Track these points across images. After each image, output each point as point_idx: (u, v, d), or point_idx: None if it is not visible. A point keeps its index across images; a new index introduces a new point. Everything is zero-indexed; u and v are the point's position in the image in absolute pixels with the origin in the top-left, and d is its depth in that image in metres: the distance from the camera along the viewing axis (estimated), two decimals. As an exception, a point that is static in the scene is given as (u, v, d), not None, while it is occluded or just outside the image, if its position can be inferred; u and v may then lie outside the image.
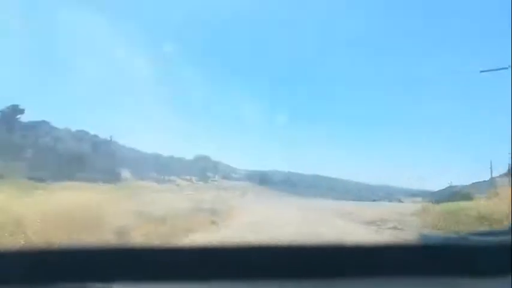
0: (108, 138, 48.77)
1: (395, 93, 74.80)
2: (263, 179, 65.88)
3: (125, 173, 46.04)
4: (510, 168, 31.05)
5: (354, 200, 49.37)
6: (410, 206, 27.29)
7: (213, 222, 14.78)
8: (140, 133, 64.74)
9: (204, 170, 64.27)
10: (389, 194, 60.59)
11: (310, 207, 29.78)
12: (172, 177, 56.02)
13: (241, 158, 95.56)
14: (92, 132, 53.80)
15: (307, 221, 17.56)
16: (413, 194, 60.61)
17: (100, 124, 56.76)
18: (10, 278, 1.15)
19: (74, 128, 52.69)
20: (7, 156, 33.58)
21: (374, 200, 53.72)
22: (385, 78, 73.22)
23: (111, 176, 40.37)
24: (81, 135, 53.35)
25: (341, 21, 71.87)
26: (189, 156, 65.05)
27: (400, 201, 54.80)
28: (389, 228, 15.45)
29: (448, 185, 51.01)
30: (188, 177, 60.67)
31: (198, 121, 75.83)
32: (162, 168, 54.41)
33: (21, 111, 48.41)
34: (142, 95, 66.67)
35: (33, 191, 22.95)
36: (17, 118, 48.60)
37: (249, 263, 1.23)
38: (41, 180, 31.19)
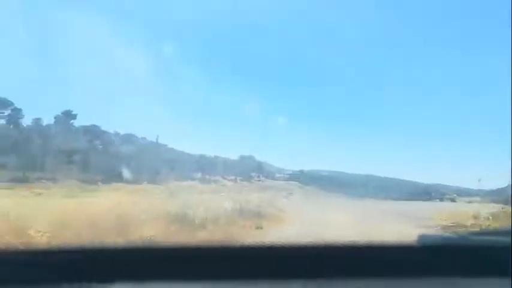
0: (155, 140, 49.75)
1: (454, 92, 70.80)
2: (309, 179, 64.71)
3: (170, 174, 46.79)
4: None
5: (406, 200, 47.32)
6: (482, 207, 25.05)
7: (259, 227, 13.21)
8: (183, 135, 65.82)
9: (248, 170, 64.21)
10: (441, 194, 57.32)
11: (366, 208, 27.72)
12: (216, 178, 56.40)
13: (285, 157, 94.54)
14: (140, 135, 55.90)
15: (369, 227, 15.23)
16: (469, 193, 57.41)
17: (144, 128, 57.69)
18: (10, 278, 1.16)
19: (122, 132, 54.93)
20: (60, 160, 35.29)
21: (427, 200, 51.19)
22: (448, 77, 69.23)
23: (156, 177, 41.22)
24: (129, 138, 55.44)
25: (341, 22, 70.01)
26: (234, 156, 65.19)
27: (452, 200, 52.15)
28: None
29: (507, 185, 47.71)
30: (233, 177, 60.91)
31: (242, 123, 75.88)
32: (207, 169, 55.00)
33: (74, 117, 51.06)
34: (182, 98, 67.25)
35: (83, 193, 23.85)
36: (71, 123, 51.38)
37: (251, 262, 1.25)
38: (91, 182, 32.46)
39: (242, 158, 65.87)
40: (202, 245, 1.36)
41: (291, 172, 69.19)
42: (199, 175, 53.09)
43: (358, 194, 53.91)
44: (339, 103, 77.06)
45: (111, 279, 1.15)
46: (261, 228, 13.16)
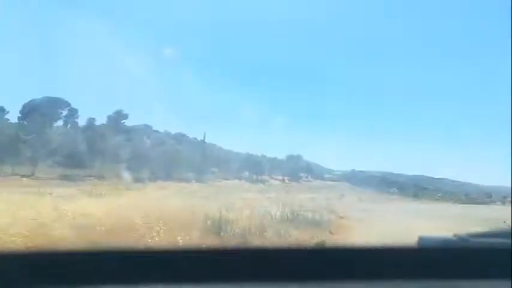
0: (202, 138, 50.25)
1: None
2: (361, 180, 62.47)
3: (216, 172, 47.20)
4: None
5: (465, 203, 44.49)
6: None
7: (320, 243, 8.39)
8: (231, 134, 66.04)
9: (296, 169, 63.25)
10: (503, 196, 53.07)
11: (435, 213, 24.43)
12: (263, 177, 56.09)
13: (333, 157, 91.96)
14: (191, 136, 56.92)
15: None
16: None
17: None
18: (6, 280, 1.17)
19: (173, 131, 56.19)
20: (108, 158, 36.63)
21: (489, 203, 47.73)
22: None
23: (203, 175, 41.66)
24: (179, 137, 56.70)
25: (341, 23, 66.76)
26: (281, 155, 64.48)
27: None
28: None
29: None
30: (280, 176, 60.29)
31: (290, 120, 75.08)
32: (254, 168, 54.84)
33: (125, 116, 53.06)
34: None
35: (128, 191, 24.47)
36: (122, 122, 53.43)
37: (248, 265, 1.24)
38: (138, 180, 33.33)
39: (289, 157, 65.02)
40: (202, 248, 1.39)
41: (340, 173, 67.29)
42: (246, 174, 53.09)
43: (412, 195, 51.54)
44: (385, 102, 73.85)
45: (105, 282, 1.14)
46: (324, 244, 8.18)
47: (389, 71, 72.84)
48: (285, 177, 60.92)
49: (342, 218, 17.28)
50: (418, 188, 55.77)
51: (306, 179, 64.70)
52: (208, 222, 10.18)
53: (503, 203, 48.80)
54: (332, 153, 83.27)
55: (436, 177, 60.28)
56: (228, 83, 73.66)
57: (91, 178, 31.85)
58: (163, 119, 70.49)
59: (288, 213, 13.83)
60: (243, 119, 68.71)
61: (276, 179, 58.85)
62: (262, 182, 53.59)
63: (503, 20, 49.08)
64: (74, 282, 1.13)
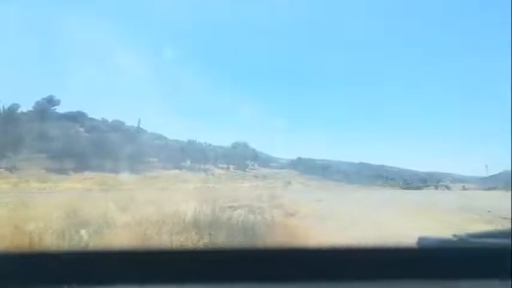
0: (136, 125, 47.57)
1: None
2: (307, 167, 62.63)
3: (155, 162, 44.99)
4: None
5: (404, 189, 45.84)
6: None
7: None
8: (171, 120, 64.74)
9: (242, 157, 62.19)
10: (436, 181, 55.43)
11: (381, 198, 23.77)
12: (207, 166, 54.48)
13: (279, 145, 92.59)
14: (129, 123, 54.07)
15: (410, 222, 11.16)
16: (460, 180, 56.15)
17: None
18: (6, 280, 1.18)
19: (110, 119, 53.22)
20: (33, 148, 33.50)
21: (424, 187, 49.64)
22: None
23: (138, 165, 39.41)
24: (117, 125, 53.57)
25: (341, 23, 68.24)
26: (227, 143, 63.24)
27: (447, 188, 50.75)
28: None
29: (502, 171, 46.91)
30: (225, 165, 58.96)
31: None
32: (197, 156, 53.04)
33: (57, 102, 49.21)
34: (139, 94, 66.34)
35: (52, 183, 22.22)
36: (53, 109, 49.55)
37: (244, 266, 1.24)
38: (60, 171, 30.70)
39: (235, 145, 63.88)
40: (202, 248, 1.53)
41: (285, 161, 67.26)
42: (188, 163, 51.18)
43: (357, 182, 52.52)
44: (336, 97, 74.85)
45: (110, 282, 1.13)
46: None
47: (331, 59, 73.60)
48: (231, 166, 59.70)
49: (289, 214, 12.53)
50: (360, 175, 56.93)
51: (253, 168, 63.91)
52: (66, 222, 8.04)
53: (436, 187, 51.18)
54: (278, 142, 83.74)
55: (376, 163, 61.85)
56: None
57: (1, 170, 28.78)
58: (163, 119, 68.34)
59: (210, 212, 9.65)
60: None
61: (221, 168, 57.44)
62: (205, 171, 51.98)
63: (503, 19, 50.14)
64: (74, 283, 1.12)
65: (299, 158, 67.12)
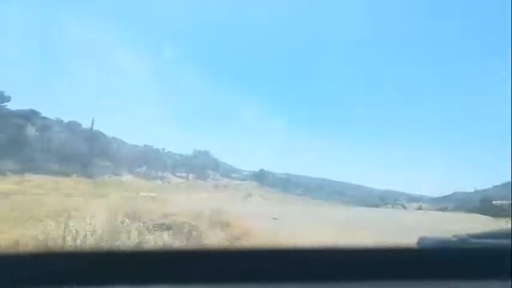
0: (89, 126, 45.53)
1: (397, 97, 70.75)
2: (268, 180, 62.20)
3: (109, 167, 43.18)
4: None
5: (363, 206, 46.12)
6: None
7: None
8: (130, 127, 63.62)
9: (202, 167, 61.01)
10: (393, 200, 56.54)
11: (334, 215, 22.64)
12: (165, 174, 53.00)
13: (240, 158, 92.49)
14: (86, 125, 51.89)
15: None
16: (415, 199, 57.74)
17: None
18: (6, 280, 1.17)
19: (66, 120, 50.92)
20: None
21: (381, 205, 50.34)
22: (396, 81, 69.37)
23: (87, 169, 37.66)
24: (73, 126, 51.26)
25: (341, 24, 69.99)
26: (187, 151, 61.95)
27: (403, 206, 51.81)
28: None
29: (454, 191, 48.62)
30: (184, 174, 57.54)
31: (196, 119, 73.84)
32: (154, 163, 51.52)
33: (7, 99, 46.54)
34: (139, 95, 65.24)
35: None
36: (3, 105, 46.84)
37: (244, 266, 1.24)
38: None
39: (196, 153, 62.66)
40: (202, 248, 1.46)
41: (247, 173, 66.66)
42: (143, 169, 49.54)
43: (315, 197, 52.57)
44: (302, 105, 75.31)
45: (110, 282, 1.13)
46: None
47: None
48: (190, 175, 58.36)
49: (237, 238, 10.32)
50: (321, 191, 57.19)
51: (214, 177, 62.83)
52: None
53: (393, 206, 52.18)
54: (241, 153, 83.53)
55: (337, 180, 62.38)
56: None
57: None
58: (163, 120, 66.23)
59: (114, 233, 8.24)
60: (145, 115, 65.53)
61: (180, 176, 56.02)
62: (162, 178, 50.48)
63: (504, 19, 51.32)
64: (74, 283, 1.13)
65: (261, 170, 66.71)
